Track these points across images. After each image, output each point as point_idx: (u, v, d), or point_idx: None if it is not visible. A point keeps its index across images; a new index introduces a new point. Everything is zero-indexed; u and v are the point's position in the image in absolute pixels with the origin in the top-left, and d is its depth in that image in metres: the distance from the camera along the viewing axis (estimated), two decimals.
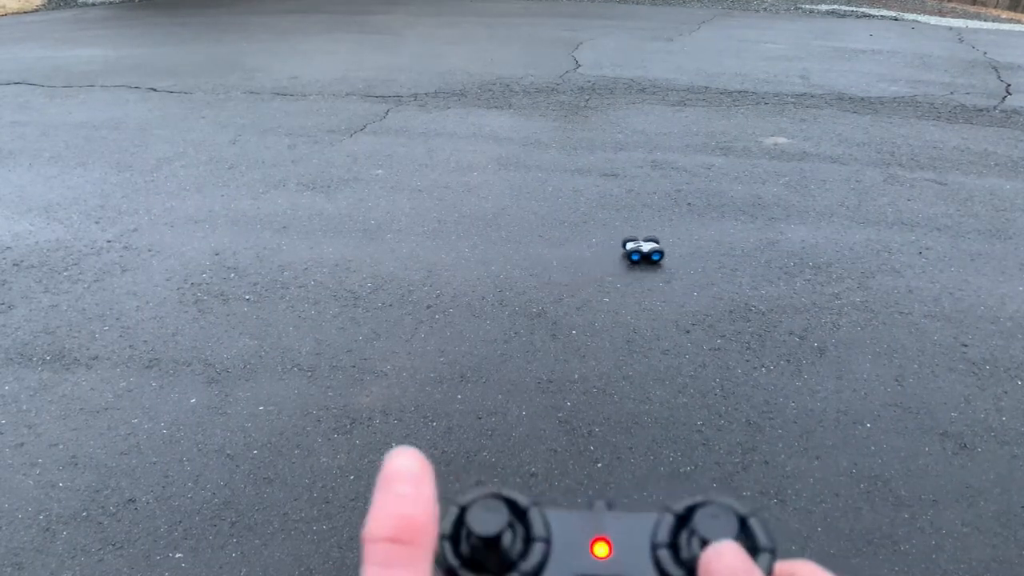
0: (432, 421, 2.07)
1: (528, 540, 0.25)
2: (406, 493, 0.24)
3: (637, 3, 10.26)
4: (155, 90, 5.26)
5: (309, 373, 2.25)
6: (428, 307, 2.61)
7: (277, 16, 8.53)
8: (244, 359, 2.31)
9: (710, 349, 2.41)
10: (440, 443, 1.99)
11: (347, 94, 5.19)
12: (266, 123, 4.54)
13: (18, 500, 1.78)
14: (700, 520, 0.25)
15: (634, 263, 2.92)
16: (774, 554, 0.24)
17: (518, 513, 0.25)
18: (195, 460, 1.91)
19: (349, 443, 1.98)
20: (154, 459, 1.91)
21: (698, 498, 0.26)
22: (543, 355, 2.36)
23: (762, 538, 0.25)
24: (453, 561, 0.24)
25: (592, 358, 2.35)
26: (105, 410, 2.08)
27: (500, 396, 2.17)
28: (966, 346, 2.46)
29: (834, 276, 2.88)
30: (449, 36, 7.45)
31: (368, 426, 2.04)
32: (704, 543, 0.24)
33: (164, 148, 4.10)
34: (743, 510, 0.25)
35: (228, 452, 1.94)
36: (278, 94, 5.18)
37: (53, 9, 9.33)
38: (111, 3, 9.76)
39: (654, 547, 0.25)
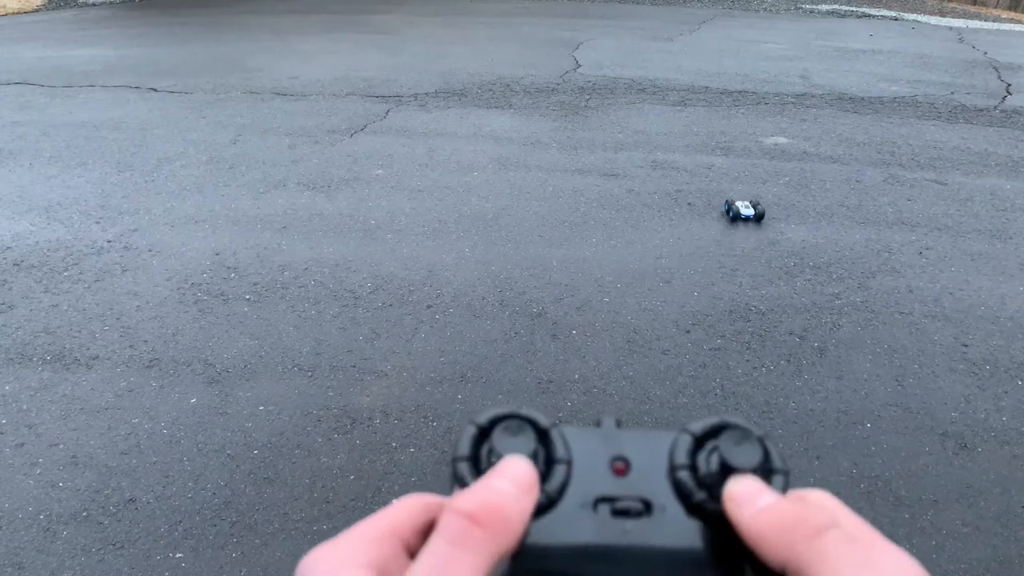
0: (432, 421, 2.07)
1: (550, 462, 0.25)
2: (507, 490, 0.23)
3: (637, 3, 10.26)
4: (155, 90, 5.26)
5: (309, 373, 2.25)
6: (428, 307, 2.61)
7: (277, 16, 8.54)
8: (244, 359, 2.31)
9: (710, 349, 2.41)
10: (440, 443, 1.99)
11: (347, 94, 5.19)
12: (266, 123, 4.54)
13: (18, 500, 1.78)
14: (723, 444, 0.25)
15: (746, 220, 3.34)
16: (787, 476, 0.25)
17: (538, 434, 0.25)
18: (195, 460, 1.91)
19: (349, 443, 1.98)
20: (154, 459, 1.91)
21: (714, 419, 0.26)
22: (543, 355, 2.36)
23: (777, 461, 0.25)
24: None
25: (592, 358, 2.35)
26: (105, 410, 2.08)
27: (500, 396, 2.17)
28: (966, 346, 2.46)
29: (834, 276, 2.88)
30: (449, 36, 7.45)
31: (368, 426, 2.04)
32: (725, 466, 0.24)
33: (164, 148, 4.10)
34: (760, 433, 0.26)
35: (228, 452, 1.94)
36: (278, 94, 5.18)
37: (53, 9, 9.33)
38: (111, 3, 9.76)
39: (673, 468, 0.25)
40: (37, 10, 9.22)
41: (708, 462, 0.25)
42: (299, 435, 2.00)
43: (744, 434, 0.25)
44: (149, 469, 1.88)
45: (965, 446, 2.02)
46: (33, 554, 1.64)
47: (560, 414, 2.10)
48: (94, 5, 9.62)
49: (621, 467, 0.26)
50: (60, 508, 1.76)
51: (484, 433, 0.25)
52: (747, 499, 0.24)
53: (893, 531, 1.75)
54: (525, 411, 0.26)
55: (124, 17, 8.72)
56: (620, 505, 0.25)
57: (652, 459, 0.26)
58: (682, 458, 0.25)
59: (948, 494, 1.86)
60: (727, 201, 3.42)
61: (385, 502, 1.81)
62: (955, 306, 2.69)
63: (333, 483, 1.86)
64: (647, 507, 0.25)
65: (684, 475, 0.25)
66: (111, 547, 1.66)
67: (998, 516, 1.80)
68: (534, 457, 0.25)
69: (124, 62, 6.11)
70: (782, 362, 2.36)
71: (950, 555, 1.70)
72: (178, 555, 1.65)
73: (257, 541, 1.69)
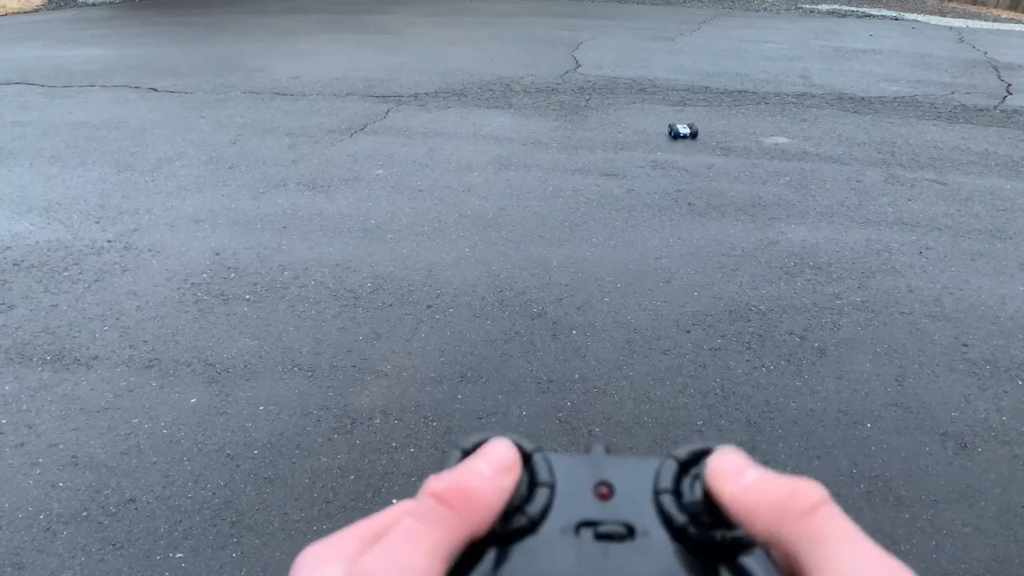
0: (432, 421, 2.07)
1: (533, 485, 0.25)
2: (482, 472, 0.24)
3: (637, 3, 10.26)
4: (155, 90, 5.26)
5: (309, 373, 2.25)
6: (428, 307, 2.61)
7: (277, 16, 8.54)
8: (244, 359, 2.31)
9: (710, 349, 2.41)
10: (440, 443, 1.99)
11: (347, 94, 5.19)
12: (266, 123, 4.54)
13: (18, 500, 1.78)
14: (705, 467, 0.25)
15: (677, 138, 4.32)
16: None
17: (522, 457, 0.25)
18: (195, 460, 1.91)
19: (349, 443, 1.98)
20: (154, 459, 1.91)
21: (700, 445, 0.26)
22: (543, 355, 2.36)
23: None
24: None
25: (592, 358, 2.35)
26: (105, 410, 2.08)
27: (500, 396, 2.17)
28: (966, 346, 2.46)
29: (834, 276, 2.88)
30: (449, 36, 7.45)
31: (368, 426, 2.04)
32: (707, 493, 0.24)
33: (164, 148, 4.10)
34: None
35: (228, 452, 1.94)
36: (278, 94, 5.18)
37: (53, 9, 9.33)
38: (111, 3, 9.76)
39: (657, 492, 0.25)
40: (37, 10, 9.22)
41: (692, 489, 0.25)
42: (299, 435, 2.00)
43: None
44: (149, 469, 1.88)
45: (965, 446, 2.02)
46: (33, 554, 1.64)
47: (559, 414, 2.10)
48: (94, 5, 9.62)
49: (605, 492, 0.26)
50: (60, 508, 1.76)
51: (469, 455, 0.26)
52: (732, 474, 0.24)
53: (893, 531, 1.75)
54: (510, 436, 0.26)
55: (124, 17, 8.72)
56: (603, 529, 0.25)
57: (637, 485, 0.26)
58: (666, 483, 0.25)
59: (948, 494, 1.86)
60: (669, 125, 4.41)
61: (385, 502, 1.81)
62: (955, 306, 2.69)
63: (333, 483, 1.86)
64: (630, 531, 0.25)
65: (667, 499, 0.25)
66: (111, 547, 1.66)
67: (998, 516, 1.80)
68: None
69: (124, 62, 6.11)
70: (782, 362, 2.36)
71: (950, 555, 1.70)
72: (178, 555, 1.65)
73: (257, 541, 1.69)
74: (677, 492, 0.25)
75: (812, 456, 1.97)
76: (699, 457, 0.26)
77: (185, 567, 1.62)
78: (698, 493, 0.25)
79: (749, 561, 0.24)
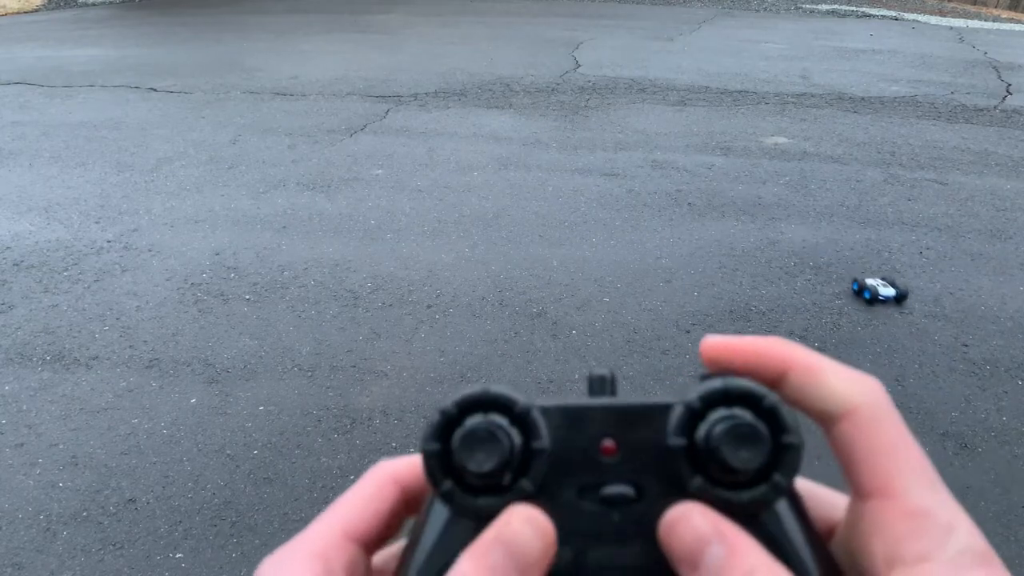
0: None
1: (528, 451, 0.22)
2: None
3: (637, 3, 10.27)
4: (155, 90, 5.26)
5: (309, 373, 2.25)
6: (428, 307, 2.61)
7: (277, 16, 8.54)
8: (244, 359, 2.31)
9: None
10: None
11: (347, 94, 5.19)
12: (266, 123, 4.54)
13: (18, 500, 1.78)
14: (724, 439, 0.21)
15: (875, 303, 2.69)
16: (799, 451, 0.22)
17: (514, 416, 0.22)
18: (195, 460, 1.91)
19: (349, 443, 1.98)
20: (154, 459, 1.91)
21: (716, 383, 0.22)
22: (543, 355, 2.36)
23: (789, 435, 0.21)
24: (446, 485, 0.22)
25: (592, 358, 2.35)
26: (105, 410, 2.08)
27: None
28: (966, 346, 2.46)
29: (834, 276, 2.88)
30: (449, 36, 7.45)
31: (368, 426, 2.04)
32: (722, 462, 0.21)
33: (164, 148, 4.10)
34: (771, 398, 0.22)
35: (228, 452, 1.94)
36: (278, 94, 5.18)
37: (53, 9, 9.33)
38: (111, 3, 9.76)
39: (668, 448, 0.22)
40: (37, 10, 9.22)
41: (708, 437, 0.21)
42: (299, 435, 2.00)
43: (751, 406, 0.22)
44: (149, 469, 1.88)
45: (965, 446, 2.02)
46: (33, 554, 1.64)
47: None
48: (94, 5, 9.62)
49: (609, 449, 0.23)
50: (60, 508, 1.76)
51: (454, 422, 0.22)
52: (714, 570, 0.20)
53: None
54: (498, 389, 0.22)
55: (124, 17, 8.72)
56: (607, 492, 0.22)
57: (646, 437, 0.23)
58: (676, 438, 0.22)
59: None
60: (855, 280, 2.77)
61: None
62: (955, 306, 2.69)
63: (333, 483, 1.86)
64: (639, 492, 0.22)
65: (679, 457, 0.22)
66: (111, 547, 1.66)
67: (998, 516, 1.80)
68: (508, 440, 0.21)
69: (124, 62, 6.11)
70: None
71: None
72: (178, 555, 1.65)
73: (257, 541, 1.69)
74: (691, 447, 0.22)
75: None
76: (718, 400, 0.22)
77: (185, 567, 1.62)
78: (714, 440, 0.21)
79: (770, 519, 0.22)
